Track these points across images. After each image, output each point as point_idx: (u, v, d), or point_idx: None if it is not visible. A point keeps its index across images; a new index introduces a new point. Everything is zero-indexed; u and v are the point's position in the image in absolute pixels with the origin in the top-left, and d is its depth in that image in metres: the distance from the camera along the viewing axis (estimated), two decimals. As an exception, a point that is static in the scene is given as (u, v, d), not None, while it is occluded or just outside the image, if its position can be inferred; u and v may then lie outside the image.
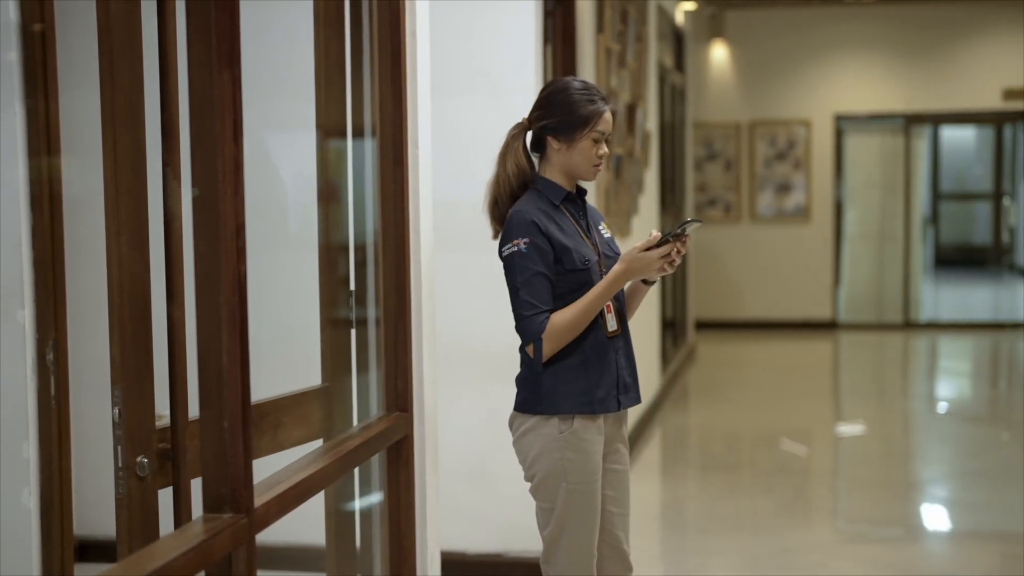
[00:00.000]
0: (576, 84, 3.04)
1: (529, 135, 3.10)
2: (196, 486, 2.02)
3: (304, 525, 3.02)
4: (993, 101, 12.44)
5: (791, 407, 8.75)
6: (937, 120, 13.53)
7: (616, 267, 2.97)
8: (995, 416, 8.67)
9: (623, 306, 3.11)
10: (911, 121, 12.74)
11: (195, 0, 1.89)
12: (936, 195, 19.36)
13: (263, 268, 3.15)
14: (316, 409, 2.73)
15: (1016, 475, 6.61)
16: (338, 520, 2.89)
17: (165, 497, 2.05)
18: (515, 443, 3.07)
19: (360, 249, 2.94)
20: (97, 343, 2.46)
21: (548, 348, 2.95)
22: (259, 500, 2.03)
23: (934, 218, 19.19)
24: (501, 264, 2.99)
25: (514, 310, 2.97)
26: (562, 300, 2.96)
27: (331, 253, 2.85)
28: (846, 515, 6.07)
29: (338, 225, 2.89)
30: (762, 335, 12.24)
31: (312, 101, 2.79)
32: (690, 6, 10.95)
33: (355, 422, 2.90)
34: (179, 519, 2.03)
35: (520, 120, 3.11)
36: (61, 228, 2.61)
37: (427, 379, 3.06)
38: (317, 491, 2.38)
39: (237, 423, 1.93)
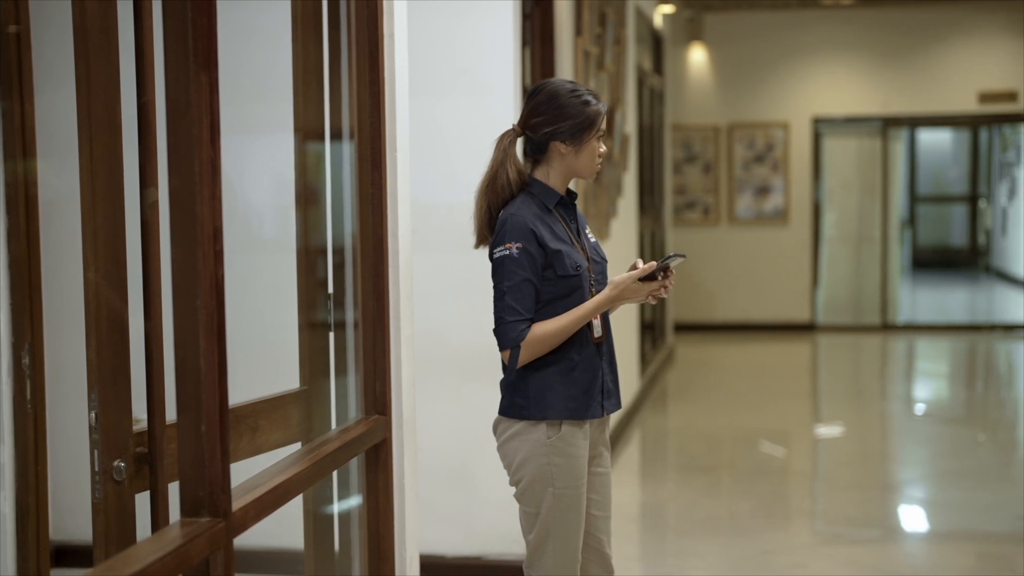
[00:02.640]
0: (571, 86, 3.04)
1: (520, 141, 3.09)
2: (173, 490, 2.01)
3: (282, 529, 3.02)
4: (969, 104, 12.52)
5: (769, 409, 8.78)
6: (914, 123, 13.61)
7: (607, 291, 3.00)
8: (971, 417, 8.72)
9: (607, 312, 3.12)
10: (888, 124, 12.81)
11: (171, 1, 1.88)
12: (913, 197, 19.48)
13: (241, 271, 3.14)
14: (294, 412, 2.72)
15: (992, 476, 6.66)
16: (316, 524, 2.88)
17: (142, 501, 2.04)
18: (500, 447, 3.07)
19: (338, 252, 2.93)
20: (73, 347, 2.45)
21: (524, 356, 2.95)
22: (237, 504, 2.02)
23: (911, 220, 19.31)
24: (490, 264, 3.00)
25: (496, 313, 2.97)
26: (551, 305, 2.97)
27: (309, 256, 2.84)
28: (824, 516, 6.09)
29: (316, 228, 2.88)
30: (741, 337, 12.28)
31: (290, 103, 2.79)
32: (668, 9, 10.97)
33: (333, 425, 2.89)
34: (156, 523, 2.02)
35: (509, 128, 3.09)
36: (37, 231, 2.60)
37: (405, 382, 3.06)
38: (295, 495, 2.37)
39: (215, 427, 1.92)
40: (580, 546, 3.03)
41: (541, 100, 3.03)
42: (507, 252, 2.93)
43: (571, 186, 3.16)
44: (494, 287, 2.97)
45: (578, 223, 3.12)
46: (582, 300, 3.00)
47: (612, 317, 3.20)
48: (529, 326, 2.94)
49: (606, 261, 3.16)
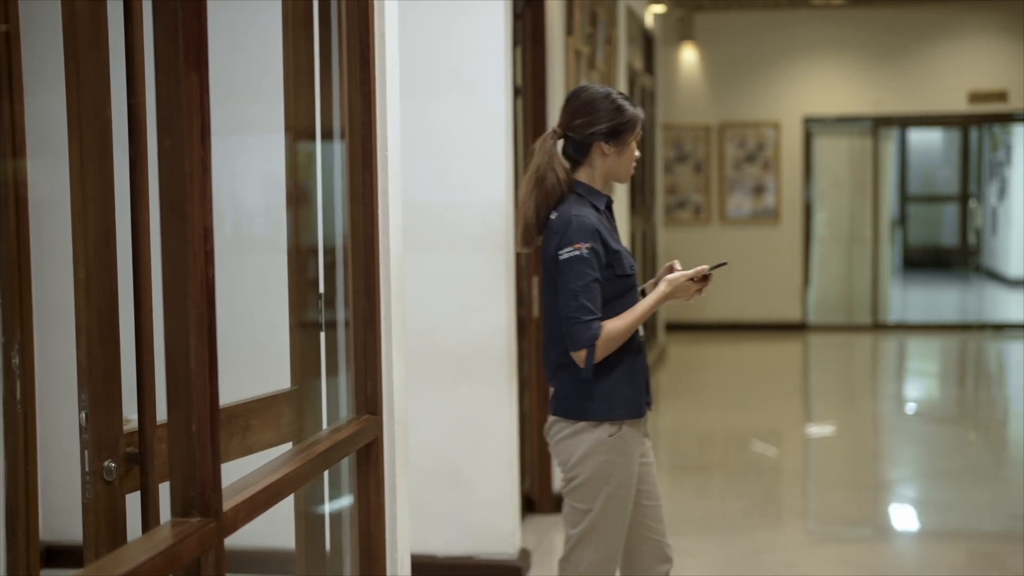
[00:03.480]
0: (609, 91, 3.12)
1: (561, 144, 3.16)
2: (164, 490, 2.00)
3: (273, 529, 3.01)
4: (959, 104, 12.54)
5: (761, 408, 8.79)
6: (905, 123, 13.64)
7: (661, 288, 3.11)
8: (962, 416, 8.73)
9: None
10: (879, 123, 12.83)
11: (162, 1, 1.88)
12: (904, 197, 19.52)
13: (232, 271, 3.13)
14: (285, 412, 2.72)
15: (983, 475, 6.67)
16: (308, 523, 2.88)
17: (133, 501, 2.04)
18: (555, 446, 3.12)
19: (329, 251, 2.93)
20: (63, 346, 2.44)
21: (599, 355, 3.01)
22: (228, 504, 2.01)
23: (902, 220, 19.35)
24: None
25: (568, 314, 3.01)
26: (608, 305, 3.05)
27: (300, 255, 2.84)
28: (816, 515, 6.10)
29: (307, 227, 2.88)
30: (732, 337, 12.29)
31: (281, 103, 2.78)
32: (659, 9, 10.98)
33: (325, 425, 2.89)
34: (147, 523, 2.01)
35: (550, 130, 3.16)
36: (27, 230, 2.60)
37: (397, 382, 3.06)
38: (286, 494, 2.37)
39: (205, 426, 1.92)
40: (622, 544, 3.11)
41: (584, 102, 3.10)
42: (577, 252, 3.00)
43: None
44: (564, 287, 3.02)
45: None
46: (634, 300, 3.11)
47: None
48: (600, 325, 3.00)
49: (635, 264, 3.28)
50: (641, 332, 3.16)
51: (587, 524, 3.05)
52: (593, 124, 3.07)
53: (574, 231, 3.01)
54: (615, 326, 3.01)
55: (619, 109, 3.07)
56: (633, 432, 3.08)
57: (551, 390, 3.20)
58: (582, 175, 3.13)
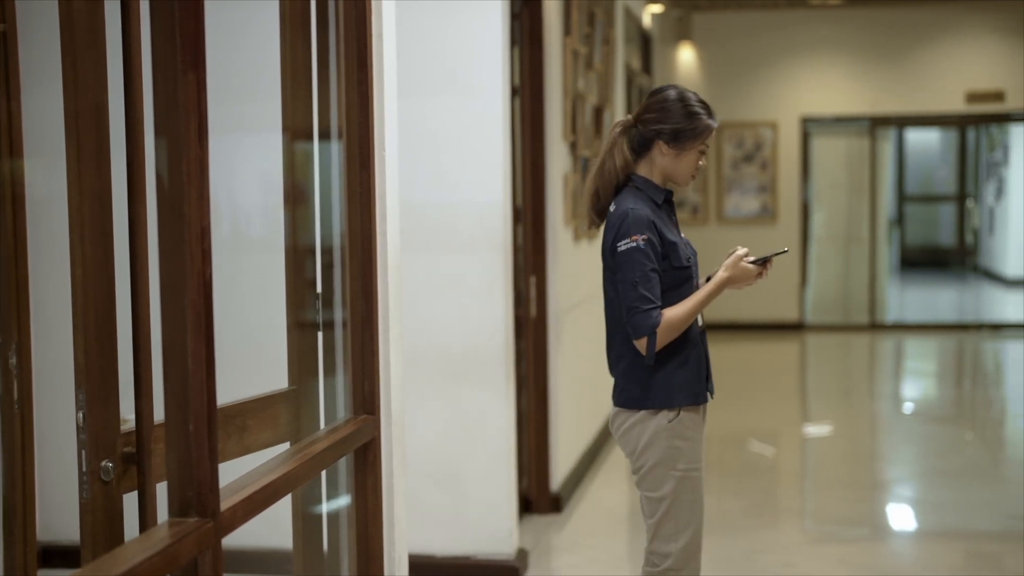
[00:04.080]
0: (692, 96, 3.19)
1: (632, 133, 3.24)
2: (162, 490, 2.00)
3: (271, 529, 3.01)
4: (957, 104, 12.55)
5: (758, 408, 8.79)
6: (902, 122, 13.64)
7: (720, 274, 3.17)
8: (960, 416, 8.74)
9: None
10: (876, 123, 12.84)
11: (159, 0, 1.88)
12: (901, 197, 19.53)
13: (229, 271, 3.13)
14: (283, 412, 2.72)
15: (980, 474, 6.67)
16: (305, 523, 2.88)
17: (130, 501, 2.03)
18: (620, 438, 3.21)
19: (327, 251, 2.93)
20: (61, 346, 2.44)
21: (660, 342, 3.09)
22: (225, 504, 2.01)
23: (899, 220, 19.36)
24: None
25: (629, 304, 3.09)
26: (664, 296, 3.12)
27: (298, 255, 2.84)
28: (813, 515, 6.10)
29: (305, 227, 2.88)
30: (729, 336, 12.29)
31: (278, 102, 2.78)
32: (657, 9, 10.98)
33: (322, 425, 2.88)
34: (144, 523, 2.01)
35: (624, 118, 3.27)
36: (24, 230, 2.59)
37: (394, 382, 3.05)
38: (284, 494, 2.37)
39: (203, 426, 1.92)
40: (700, 528, 3.18)
41: (659, 99, 3.19)
42: (634, 244, 3.08)
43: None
44: (622, 280, 3.10)
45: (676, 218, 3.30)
46: (691, 291, 3.18)
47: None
48: (661, 312, 3.08)
49: (697, 255, 3.33)
50: (700, 322, 3.21)
51: (663, 511, 3.13)
52: (659, 122, 3.15)
53: (631, 224, 3.09)
54: (675, 313, 3.08)
55: (690, 115, 3.14)
56: (693, 418, 3.15)
57: (614, 383, 3.28)
58: (642, 168, 3.21)
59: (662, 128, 3.15)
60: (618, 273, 3.11)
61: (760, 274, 3.19)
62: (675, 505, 3.12)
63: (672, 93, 3.19)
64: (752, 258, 3.19)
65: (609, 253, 3.14)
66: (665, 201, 3.22)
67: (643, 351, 3.09)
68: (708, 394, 3.23)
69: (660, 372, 3.13)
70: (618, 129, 3.24)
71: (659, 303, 3.08)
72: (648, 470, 3.14)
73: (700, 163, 3.21)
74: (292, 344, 2.83)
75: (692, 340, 3.18)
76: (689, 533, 3.14)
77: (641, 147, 3.20)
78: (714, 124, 3.19)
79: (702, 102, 3.20)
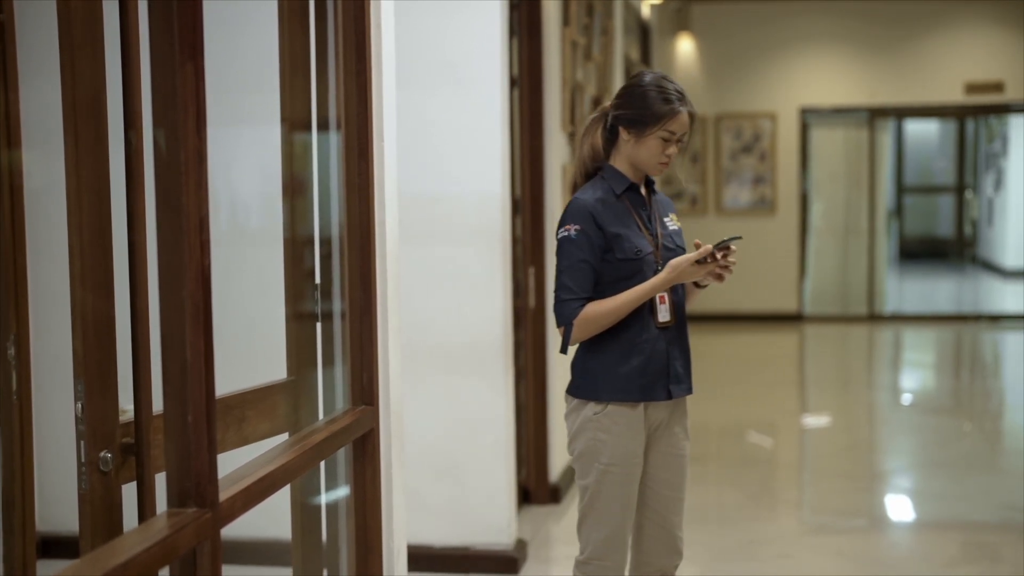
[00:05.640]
0: (655, 80, 3.11)
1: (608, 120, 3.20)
2: (160, 481, 2.01)
3: (270, 519, 3.01)
4: (956, 95, 12.54)
5: (757, 399, 8.80)
6: (901, 113, 13.64)
7: (663, 273, 3.07)
8: (958, 407, 8.75)
9: (681, 299, 3.20)
10: (875, 114, 12.83)
11: (157, -9, 1.88)
12: (900, 188, 19.53)
13: (228, 261, 3.13)
14: (281, 403, 2.72)
15: (978, 465, 6.69)
16: (304, 514, 2.88)
17: (129, 492, 2.04)
18: (564, 419, 3.21)
19: (325, 242, 2.93)
20: (59, 337, 2.44)
21: (577, 334, 3.06)
22: (224, 494, 2.02)
23: (898, 211, 19.36)
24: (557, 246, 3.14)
25: (555, 292, 3.09)
26: (611, 287, 3.06)
27: (296, 246, 2.84)
28: (811, 506, 6.11)
29: (303, 218, 2.88)
30: (728, 328, 12.30)
31: (276, 93, 2.78)
32: (656, 0, 10.97)
33: (321, 416, 2.89)
34: (143, 514, 2.02)
35: (604, 104, 3.23)
36: (22, 221, 2.59)
37: (393, 372, 3.06)
38: (282, 485, 2.37)
39: (201, 417, 1.92)
40: (627, 524, 3.14)
41: (626, 86, 3.16)
42: (567, 233, 3.05)
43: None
44: (557, 267, 3.10)
45: (653, 210, 3.20)
46: (641, 283, 3.09)
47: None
48: (583, 305, 3.04)
49: (683, 249, 3.22)
50: (667, 317, 3.11)
51: (587, 500, 3.11)
52: (620, 107, 3.12)
53: (568, 213, 3.07)
54: (598, 309, 3.03)
55: (649, 99, 3.06)
56: (627, 414, 3.07)
57: None
58: (614, 157, 3.17)
59: (621, 114, 3.10)
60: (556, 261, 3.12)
61: (724, 267, 3.06)
62: (597, 496, 3.09)
63: (638, 80, 3.13)
64: (695, 255, 3.04)
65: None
66: (629, 190, 3.14)
67: (562, 338, 3.08)
68: (666, 393, 3.11)
69: (593, 363, 3.08)
70: (594, 116, 3.21)
71: (583, 295, 3.02)
72: (575, 458, 3.13)
73: (669, 152, 3.10)
74: (291, 335, 2.83)
75: (643, 336, 3.07)
76: (612, 526, 3.09)
77: (611, 134, 3.16)
78: (679, 110, 3.06)
79: (670, 89, 3.09)
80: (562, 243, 3.06)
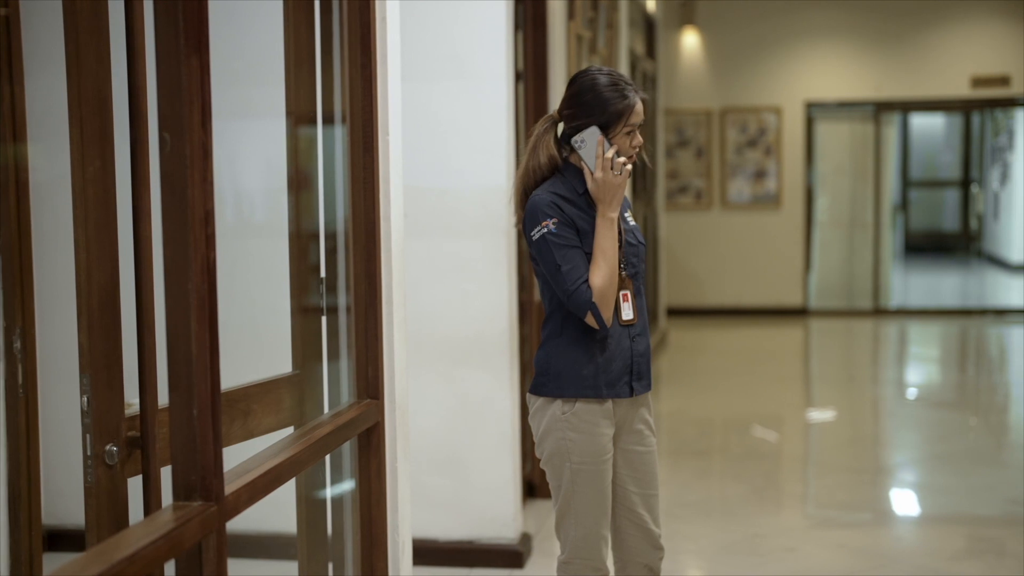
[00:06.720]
0: (603, 79, 3.05)
1: (560, 127, 3.13)
2: (166, 474, 2.01)
3: (275, 513, 3.02)
4: (961, 89, 12.52)
5: (762, 393, 8.79)
6: (906, 107, 13.60)
7: (600, 208, 3.01)
8: (963, 401, 8.74)
9: (642, 298, 3.18)
10: (881, 108, 12.81)
11: (163, -15, 1.87)
12: (906, 182, 19.50)
13: (233, 255, 3.13)
14: (287, 396, 2.72)
15: (983, 460, 6.68)
16: (309, 508, 2.89)
17: (134, 485, 2.04)
18: (530, 421, 3.17)
19: (331, 236, 2.93)
20: (65, 331, 2.44)
21: (603, 310, 3.01)
22: (229, 488, 2.02)
23: (904, 205, 19.33)
24: (534, 248, 3.05)
25: (559, 287, 3.02)
26: None
27: (301, 240, 2.84)
28: (816, 500, 6.11)
29: (308, 212, 2.88)
30: (733, 322, 12.29)
31: (282, 87, 2.78)
32: (661, -7, 10.95)
33: (326, 409, 2.89)
34: (148, 507, 2.02)
35: (549, 113, 3.15)
36: (28, 214, 2.60)
37: (398, 366, 3.06)
38: (288, 479, 2.38)
39: (207, 410, 1.92)
40: (604, 521, 3.12)
41: (574, 92, 3.07)
42: (545, 229, 3.00)
43: None
44: (545, 265, 3.02)
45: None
46: None
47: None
48: (588, 285, 3.00)
49: (643, 245, 3.22)
50: (631, 315, 3.10)
51: (562, 500, 3.09)
52: (575, 117, 3.04)
53: (537, 210, 3.01)
54: (598, 277, 2.99)
55: (605, 103, 3.01)
56: (594, 410, 3.05)
57: None
58: (575, 158, 3.10)
59: (580, 123, 3.02)
60: (541, 263, 3.04)
61: (626, 158, 3.03)
62: (572, 496, 3.06)
63: (584, 84, 3.05)
64: (600, 162, 2.99)
65: (529, 244, 3.07)
66: (587, 190, 3.08)
67: (595, 326, 3.03)
68: (629, 390, 3.09)
69: (559, 361, 3.06)
70: (543, 126, 3.12)
71: (586, 275, 3.00)
72: (546, 460, 3.09)
73: (634, 143, 3.06)
74: (296, 329, 2.84)
75: (608, 333, 3.06)
76: (589, 523, 3.08)
77: (568, 140, 3.08)
78: (633, 100, 3.03)
79: (622, 83, 3.05)
80: (542, 241, 2.99)
